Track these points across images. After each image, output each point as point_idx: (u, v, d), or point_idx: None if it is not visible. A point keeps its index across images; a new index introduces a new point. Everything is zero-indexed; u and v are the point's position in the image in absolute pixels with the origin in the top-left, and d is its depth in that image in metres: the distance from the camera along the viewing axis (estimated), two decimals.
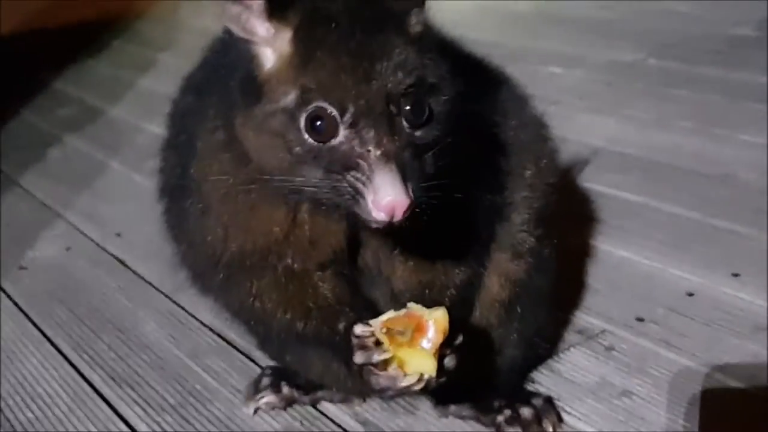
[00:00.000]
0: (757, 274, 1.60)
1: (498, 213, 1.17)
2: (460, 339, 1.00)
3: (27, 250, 2.02)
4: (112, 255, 1.97)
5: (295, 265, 1.08)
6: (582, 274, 1.67)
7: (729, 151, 2.19)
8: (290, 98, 0.90)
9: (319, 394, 1.38)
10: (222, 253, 1.09)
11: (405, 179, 0.86)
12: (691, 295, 1.58)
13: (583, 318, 1.53)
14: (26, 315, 1.72)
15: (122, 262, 1.93)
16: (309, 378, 1.34)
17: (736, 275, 1.61)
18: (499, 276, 1.20)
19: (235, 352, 1.54)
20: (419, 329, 0.96)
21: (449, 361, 0.99)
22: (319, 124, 0.88)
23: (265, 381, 1.38)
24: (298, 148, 0.90)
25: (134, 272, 1.87)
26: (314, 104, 0.88)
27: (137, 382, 1.47)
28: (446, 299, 1.12)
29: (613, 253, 1.74)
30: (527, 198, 1.20)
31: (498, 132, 1.17)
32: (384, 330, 0.97)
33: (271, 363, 1.43)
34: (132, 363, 1.53)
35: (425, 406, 1.34)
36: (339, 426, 1.33)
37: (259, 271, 1.09)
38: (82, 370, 1.52)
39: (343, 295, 1.11)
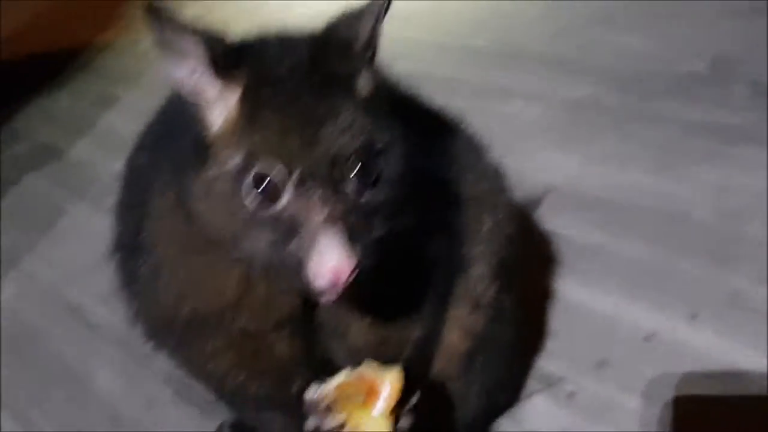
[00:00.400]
0: (714, 316, 1.61)
1: (456, 267, 1.17)
2: (415, 398, 0.99)
3: None
4: (67, 300, 1.93)
5: (250, 326, 1.07)
6: (542, 317, 1.67)
7: (685, 189, 2.20)
8: (236, 161, 0.89)
9: None
10: (176, 314, 1.07)
11: (350, 243, 0.85)
12: (650, 337, 1.58)
13: (544, 364, 1.53)
14: None
15: (78, 308, 1.89)
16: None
17: (694, 317, 1.62)
18: (459, 329, 1.20)
19: (190, 404, 1.51)
20: (373, 391, 0.95)
21: (404, 422, 0.98)
22: (264, 188, 0.87)
23: None
24: (242, 213, 0.89)
25: (88, 319, 1.84)
26: (258, 168, 0.87)
27: None
28: (404, 355, 1.11)
29: (572, 295, 1.75)
30: (485, 251, 1.20)
31: (454, 186, 1.17)
32: (336, 394, 0.95)
33: (228, 417, 1.41)
34: (86, 416, 1.50)
35: None
36: None
37: (213, 332, 1.07)
38: (35, 423, 1.48)
39: (298, 355, 1.09)
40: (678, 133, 2.64)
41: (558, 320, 1.65)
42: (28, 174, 2.89)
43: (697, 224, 2.01)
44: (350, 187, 0.89)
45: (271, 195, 0.87)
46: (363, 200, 0.89)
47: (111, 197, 2.46)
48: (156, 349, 1.22)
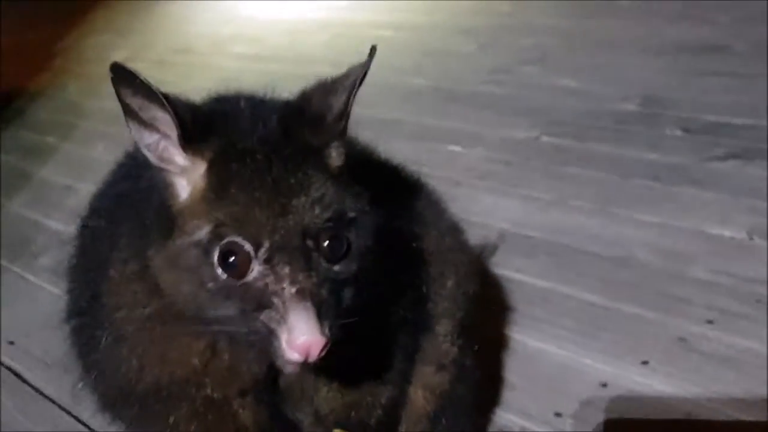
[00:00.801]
0: (665, 361, 1.64)
1: (421, 326, 1.17)
2: None
3: None
4: (5, 366, 1.86)
5: (215, 394, 1.04)
6: (498, 367, 1.67)
7: (627, 232, 2.25)
8: (203, 233, 0.87)
9: None
10: (136, 384, 1.04)
11: (320, 317, 0.84)
12: (604, 385, 1.60)
13: (502, 416, 1.53)
14: None
15: (17, 374, 1.82)
16: None
17: (645, 362, 1.65)
18: (424, 389, 1.19)
19: None
20: None
21: None
22: (233, 260, 0.86)
23: None
24: (211, 284, 0.88)
25: (31, 385, 1.77)
26: (227, 239, 0.86)
27: None
28: (373, 419, 1.10)
29: (526, 343, 1.76)
30: (449, 309, 1.20)
31: (418, 244, 1.17)
32: None
33: None
34: None
35: None
36: None
37: (176, 402, 1.04)
38: None
39: (264, 422, 1.07)
40: (616, 174, 2.71)
41: (515, 370, 1.66)
42: None
43: (642, 266, 2.05)
44: (321, 260, 0.88)
45: (240, 268, 0.86)
46: (333, 272, 0.88)
47: (46, 258, 2.40)
48: (112, 420, 1.18)
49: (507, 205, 2.54)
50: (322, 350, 0.83)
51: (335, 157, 0.93)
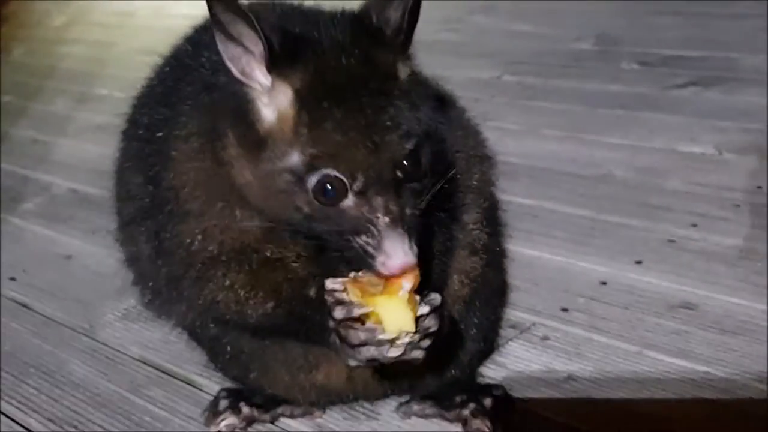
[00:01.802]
0: (657, 260, 1.74)
1: (454, 214, 1.23)
2: (437, 298, 1.02)
3: None
4: (13, 300, 1.86)
5: (272, 255, 1.08)
6: None
7: (601, 154, 2.35)
8: (295, 160, 0.93)
9: (279, 410, 1.37)
10: (196, 252, 1.08)
11: (411, 239, 0.94)
12: (604, 283, 1.69)
13: (512, 313, 1.61)
14: None
15: (26, 306, 1.83)
16: (270, 393, 1.33)
17: (638, 262, 1.75)
18: (459, 273, 1.25)
19: (175, 380, 1.50)
20: (390, 282, 0.97)
21: (429, 321, 1.00)
22: (328, 190, 0.93)
23: (223, 403, 1.36)
24: (306, 209, 0.95)
25: (42, 315, 1.78)
26: (323, 171, 0.93)
27: (79, 421, 1.41)
28: None
29: (523, 252, 1.83)
30: (476, 199, 1.26)
31: (451, 140, 1.23)
32: (353, 285, 0.98)
33: (223, 386, 1.41)
34: (68, 403, 1.46)
35: (387, 409, 1.37)
36: None
37: (233, 264, 1.09)
38: (14, 417, 1.43)
39: (313, 268, 1.09)
40: (581, 105, 2.81)
41: (516, 276, 1.73)
42: None
43: (620, 182, 2.16)
44: (405, 185, 0.95)
45: (336, 197, 0.93)
46: (414, 192, 0.97)
47: (28, 203, 2.40)
48: (168, 302, 1.21)
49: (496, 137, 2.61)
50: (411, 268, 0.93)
51: (402, 73, 0.98)
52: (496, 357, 1.48)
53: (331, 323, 1.00)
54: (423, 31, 3.67)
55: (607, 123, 2.58)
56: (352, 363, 1.02)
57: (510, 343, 1.53)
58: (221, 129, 1.00)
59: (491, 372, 1.45)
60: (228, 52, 0.94)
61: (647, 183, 2.12)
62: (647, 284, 1.67)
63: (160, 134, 1.09)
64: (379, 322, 0.97)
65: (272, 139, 0.95)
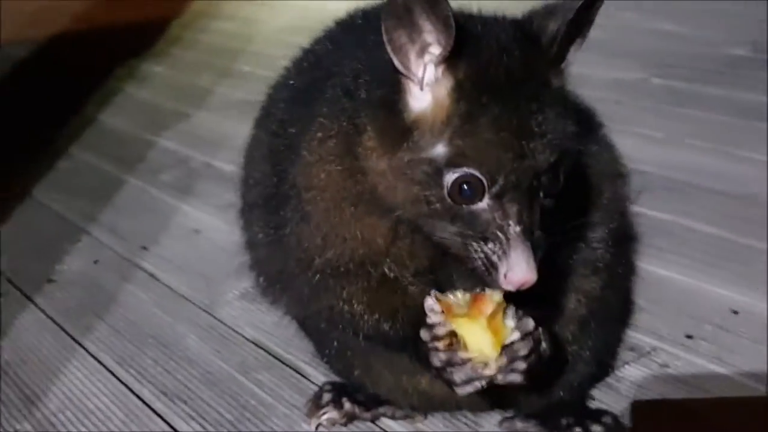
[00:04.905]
0: None
1: (578, 232, 1.18)
2: (530, 324, 1.00)
3: (53, 263, 1.98)
4: (142, 269, 1.94)
5: (390, 274, 1.08)
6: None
7: (748, 171, 2.22)
8: (439, 152, 0.91)
9: (381, 410, 1.36)
10: (315, 258, 1.08)
11: (535, 255, 0.91)
12: (735, 312, 1.59)
13: (633, 335, 1.54)
14: (63, 329, 1.69)
15: (153, 276, 1.90)
16: (374, 393, 1.33)
17: None
18: (577, 292, 1.20)
19: (284, 367, 1.52)
20: (476, 304, 0.97)
21: (519, 346, 0.99)
22: (465, 189, 0.91)
23: (327, 396, 1.37)
24: (437, 204, 0.92)
25: (167, 286, 1.85)
26: (465, 170, 0.90)
27: (189, 396, 1.45)
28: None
29: (653, 271, 1.75)
30: (604, 218, 1.21)
31: (583, 159, 1.18)
32: (444, 305, 0.98)
33: (328, 379, 1.42)
34: (181, 377, 1.51)
35: (490, 422, 1.34)
36: None
37: (352, 277, 1.09)
38: (130, 385, 1.49)
39: (430, 287, 1.06)
40: (731, 116, 2.66)
41: (643, 296, 1.66)
42: (76, 146, 2.90)
43: (765, 204, 2.02)
44: (540, 197, 0.93)
45: (471, 198, 0.91)
46: (545, 207, 0.94)
47: (163, 171, 2.52)
48: (281, 292, 1.23)
49: (619, 142, 2.50)
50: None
51: (555, 83, 0.95)
52: (610, 380, 1.42)
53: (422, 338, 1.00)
54: None
55: (759, 138, 2.42)
56: (458, 391, 1.00)
57: (626, 366, 1.46)
58: (360, 125, 0.98)
59: (602, 395, 1.39)
60: (397, 40, 0.91)
61: None
62: None
63: (293, 131, 1.10)
64: (465, 344, 0.97)
65: (418, 130, 0.93)
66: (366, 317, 1.10)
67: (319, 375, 1.47)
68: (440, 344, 0.99)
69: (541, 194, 0.93)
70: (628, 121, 2.68)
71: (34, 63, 4.13)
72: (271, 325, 1.62)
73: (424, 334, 0.99)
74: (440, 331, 0.98)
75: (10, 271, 1.96)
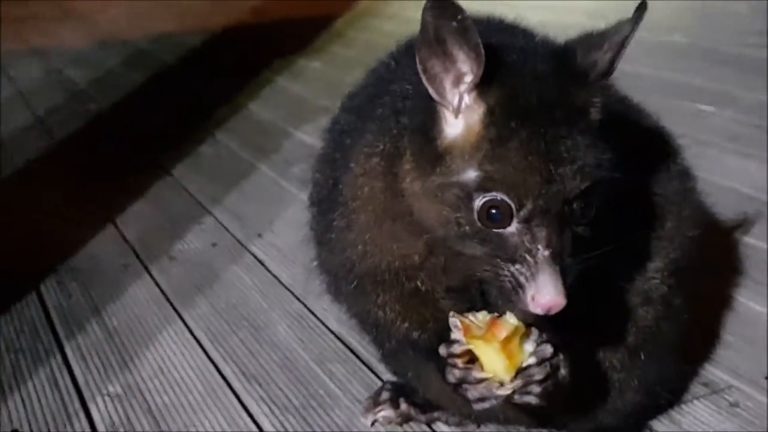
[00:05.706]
0: None
1: (632, 260, 1.18)
2: (547, 350, 1.01)
3: (177, 242, 2.16)
4: (253, 255, 2.07)
5: (423, 287, 1.13)
6: (716, 325, 1.63)
7: None
8: (470, 177, 0.94)
9: (436, 414, 1.41)
10: (355, 265, 1.14)
11: (565, 280, 0.92)
12: None
13: (710, 371, 1.51)
14: (171, 304, 1.84)
15: (261, 263, 2.02)
16: (427, 397, 1.38)
17: None
18: (626, 321, 1.20)
19: (357, 361, 1.60)
20: (492, 328, 0.99)
21: (535, 370, 1.01)
22: (494, 213, 0.93)
23: (385, 395, 1.43)
24: (466, 227, 0.96)
25: (272, 273, 1.97)
26: (494, 194, 0.93)
27: (265, 380, 1.55)
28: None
29: (751, 307, 1.70)
30: (664, 248, 1.19)
31: (643, 186, 1.18)
32: (465, 325, 1.01)
33: (392, 378, 1.48)
34: (262, 361, 1.61)
35: None
36: None
37: (387, 286, 1.14)
38: (216, 362, 1.61)
39: (461, 304, 1.11)
40: None
41: (733, 331, 1.62)
42: (223, 133, 3.10)
43: None
44: (571, 224, 0.94)
45: (500, 221, 0.94)
46: (577, 234, 0.95)
47: (296, 163, 2.63)
48: (335, 297, 1.31)
49: (754, 170, 2.42)
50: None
51: (594, 114, 0.97)
52: (674, 413, 1.40)
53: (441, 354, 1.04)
54: (730, 43, 3.57)
55: None
56: (474, 406, 1.04)
57: (694, 401, 1.43)
58: (401, 148, 1.03)
59: (663, 427, 1.38)
60: (431, 70, 0.95)
61: None
62: None
63: (348, 141, 1.17)
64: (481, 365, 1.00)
65: (450, 155, 0.96)
66: (398, 324, 1.15)
67: (388, 373, 1.52)
68: (458, 361, 1.02)
69: (574, 221, 0.94)
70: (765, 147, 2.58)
71: (204, 52, 4.41)
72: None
73: (441, 350, 1.04)
74: (457, 349, 1.02)
75: (138, 243, 2.14)
